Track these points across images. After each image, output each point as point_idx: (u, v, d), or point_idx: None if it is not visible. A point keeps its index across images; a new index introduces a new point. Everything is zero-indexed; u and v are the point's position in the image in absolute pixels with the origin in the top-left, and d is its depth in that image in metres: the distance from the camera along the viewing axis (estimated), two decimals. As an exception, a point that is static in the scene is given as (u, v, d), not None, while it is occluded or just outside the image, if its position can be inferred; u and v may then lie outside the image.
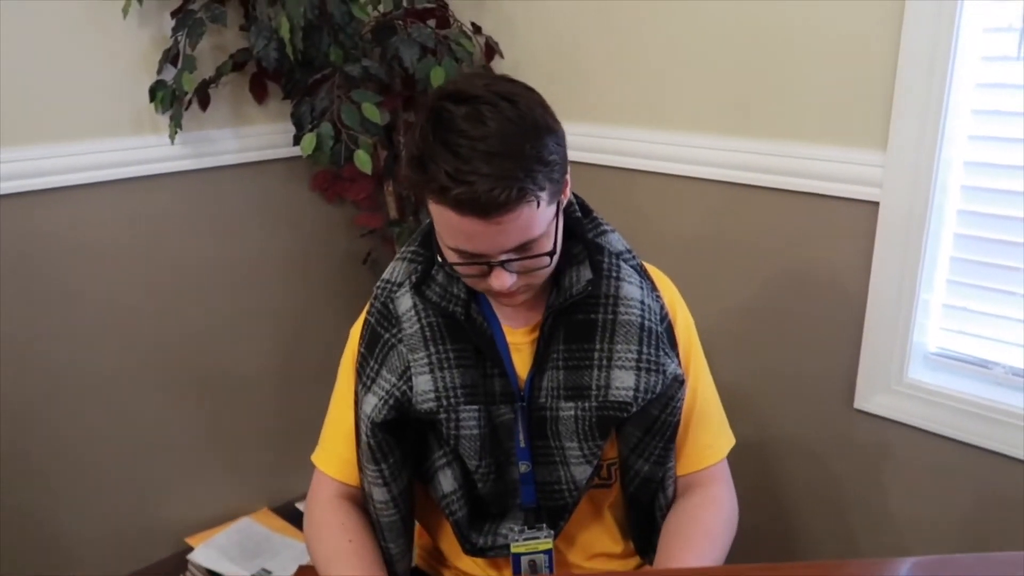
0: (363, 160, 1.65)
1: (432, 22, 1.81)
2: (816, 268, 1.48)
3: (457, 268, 0.94)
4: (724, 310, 1.60)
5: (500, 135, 0.84)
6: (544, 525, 1.06)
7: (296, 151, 1.79)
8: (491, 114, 0.85)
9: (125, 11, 1.59)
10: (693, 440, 1.09)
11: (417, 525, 1.17)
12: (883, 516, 1.51)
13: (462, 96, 0.86)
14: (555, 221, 0.93)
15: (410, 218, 2.01)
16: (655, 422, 1.02)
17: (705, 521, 1.05)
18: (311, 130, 1.65)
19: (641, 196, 1.69)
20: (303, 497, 2.12)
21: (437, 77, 1.70)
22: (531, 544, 1.06)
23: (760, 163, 1.49)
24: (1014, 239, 1.29)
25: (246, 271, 1.94)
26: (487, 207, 0.84)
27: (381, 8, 1.75)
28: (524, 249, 0.90)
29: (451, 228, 0.88)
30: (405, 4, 1.77)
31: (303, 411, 2.08)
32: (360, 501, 1.10)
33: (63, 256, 1.67)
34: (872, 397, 1.45)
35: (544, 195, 0.87)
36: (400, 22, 1.75)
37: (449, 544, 1.13)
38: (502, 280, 0.91)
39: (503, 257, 0.90)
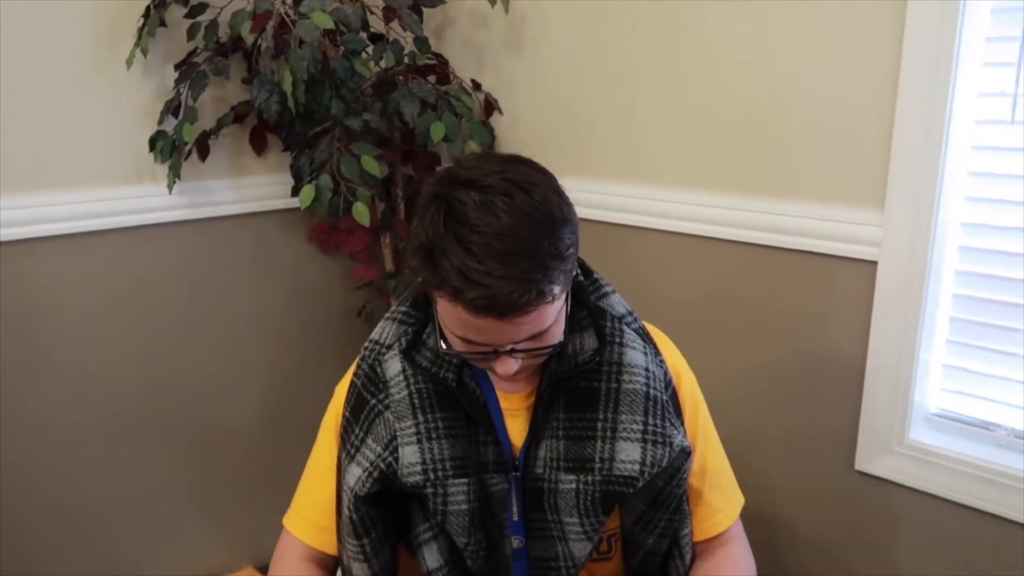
0: (361, 212, 1.65)
1: (432, 78, 1.83)
2: (815, 327, 1.47)
3: (462, 355, 0.90)
4: (722, 369, 1.59)
5: (516, 231, 0.79)
6: None
7: (294, 202, 1.79)
8: (505, 206, 0.80)
9: (129, 62, 1.61)
10: (706, 505, 1.06)
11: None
12: (885, 581, 1.48)
13: (474, 184, 0.81)
14: (564, 307, 0.90)
15: (406, 271, 2.00)
16: (660, 494, 0.98)
17: None
18: (310, 182, 1.65)
19: (636, 252, 1.70)
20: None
21: (437, 132, 1.71)
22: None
23: (759, 221, 1.50)
24: (1013, 300, 1.29)
25: (240, 323, 1.92)
26: (504, 310, 0.80)
27: (383, 64, 1.77)
28: (534, 339, 0.87)
29: (460, 323, 0.84)
30: (407, 60, 1.79)
31: (292, 468, 2.03)
32: (327, 566, 1.05)
33: (57, 303, 1.65)
34: (873, 459, 1.44)
35: (558, 290, 0.84)
36: (401, 78, 1.77)
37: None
38: (507, 367, 0.88)
39: (511, 347, 0.86)
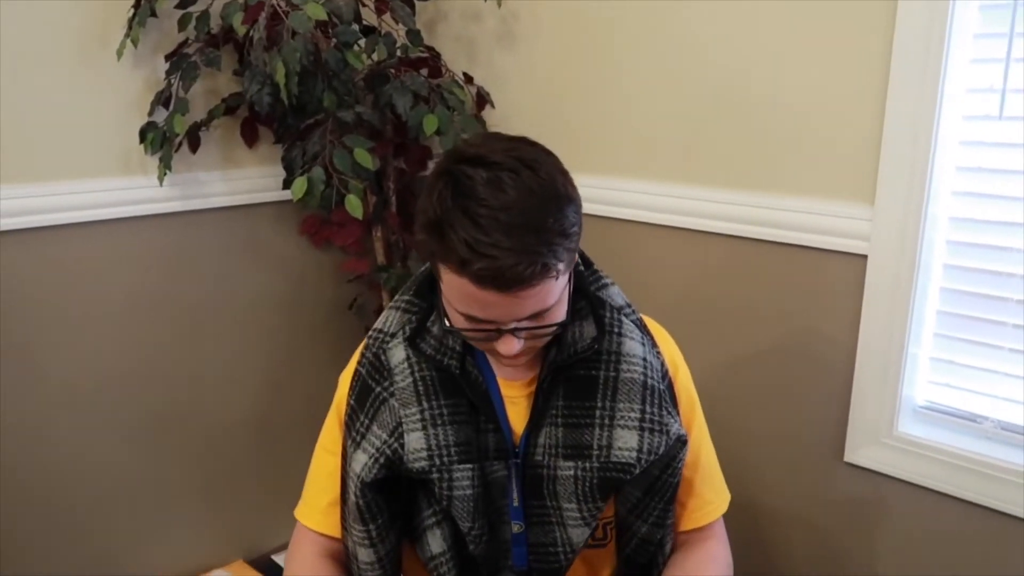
0: (354, 205, 1.65)
1: (425, 71, 1.83)
2: (805, 320, 1.48)
3: (464, 333, 0.91)
4: (711, 362, 1.60)
5: (522, 206, 0.81)
6: None
7: (284, 195, 1.78)
8: (512, 182, 0.82)
9: (119, 53, 1.60)
10: (697, 497, 1.07)
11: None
12: (873, 570, 1.50)
13: (482, 160, 0.83)
14: (568, 288, 0.91)
15: (398, 264, 2.00)
16: (655, 482, 0.99)
17: None
18: (302, 174, 1.65)
19: (626, 246, 1.70)
20: (280, 549, 2.08)
21: (431, 125, 1.71)
22: (522, 609, 1.01)
23: (749, 215, 1.51)
24: (1000, 294, 1.31)
25: (229, 316, 1.92)
26: (509, 282, 0.81)
27: (375, 56, 1.77)
28: (537, 317, 0.88)
29: (464, 297, 0.85)
30: (399, 53, 1.79)
31: (283, 460, 2.05)
32: (342, 559, 1.06)
33: (44, 295, 1.64)
34: (862, 450, 1.45)
35: (563, 267, 0.85)
36: (393, 71, 1.77)
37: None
38: (510, 346, 0.88)
39: (514, 325, 0.87)
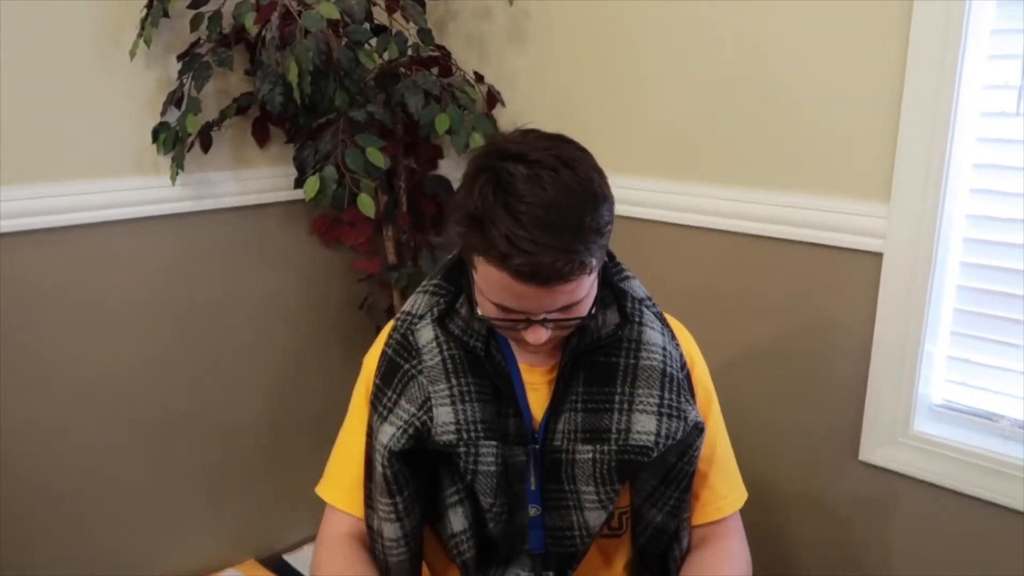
0: (366, 204, 1.65)
1: (435, 70, 1.83)
2: (820, 318, 1.48)
3: (494, 321, 0.94)
4: (727, 360, 1.60)
5: (561, 204, 0.84)
6: (552, 573, 1.03)
7: (295, 195, 1.79)
8: (552, 179, 0.85)
9: (132, 53, 1.60)
10: (711, 489, 1.08)
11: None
12: (888, 568, 1.49)
13: (522, 158, 0.86)
14: (596, 281, 0.94)
15: (408, 263, 2.00)
16: (671, 470, 1.01)
17: None
18: (314, 173, 1.65)
19: (641, 245, 1.70)
20: (291, 549, 2.08)
21: (442, 124, 1.71)
22: (538, 592, 1.03)
23: (764, 213, 1.51)
24: (1017, 292, 1.30)
25: (241, 314, 1.92)
26: (547, 278, 0.84)
27: (386, 55, 1.77)
28: (566, 309, 0.91)
29: (500, 289, 0.88)
30: (410, 52, 1.78)
31: (294, 459, 2.05)
32: (367, 542, 1.07)
33: (57, 294, 1.64)
34: (877, 449, 1.45)
35: (595, 263, 0.89)
36: (404, 69, 1.77)
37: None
38: (538, 335, 0.92)
39: (544, 316, 0.90)
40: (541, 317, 0.90)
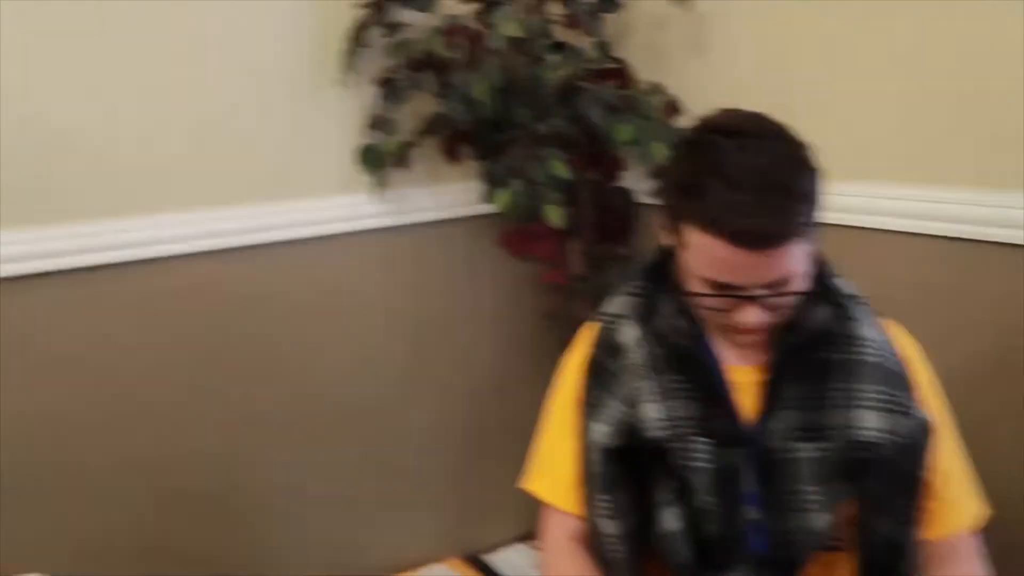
0: (554, 215, 1.70)
1: (614, 82, 1.86)
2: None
3: (705, 300, 0.93)
4: (952, 375, 1.48)
5: (773, 168, 0.86)
6: None
7: (483, 208, 1.87)
8: (761, 147, 0.87)
9: (338, 82, 1.75)
10: (945, 501, 1.00)
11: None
12: None
13: (728, 130, 0.89)
14: (808, 260, 0.91)
15: (595, 274, 2.03)
16: (900, 474, 0.95)
17: None
18: (504, 187, 1.72)
19: (841, 252, 1.61)
20: (491, 549, 2.14)
21: (625, 134, 1.73)
22: (764, 600, 0.97)
23: (986, 216, 1.39)
24: None
25: (435, 325, 2.03)
26: (760, 240, 0.84)
27: (566, 70, 1.82)
28: (779, 285, 0.89)
29: (712, 258, 0.88)
30: (590, 66, 1.83)
31: (490, 466, 2.11)
32: (587, 540, 1.07)
33: (281, 304, 1.81)
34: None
35: (808, 231, 0.88)
36: (584, 83, 1.81)
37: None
38: (752, 316, 0.90)
39: (757, 292, 0.89)
40: (754, 293, 0.88)
